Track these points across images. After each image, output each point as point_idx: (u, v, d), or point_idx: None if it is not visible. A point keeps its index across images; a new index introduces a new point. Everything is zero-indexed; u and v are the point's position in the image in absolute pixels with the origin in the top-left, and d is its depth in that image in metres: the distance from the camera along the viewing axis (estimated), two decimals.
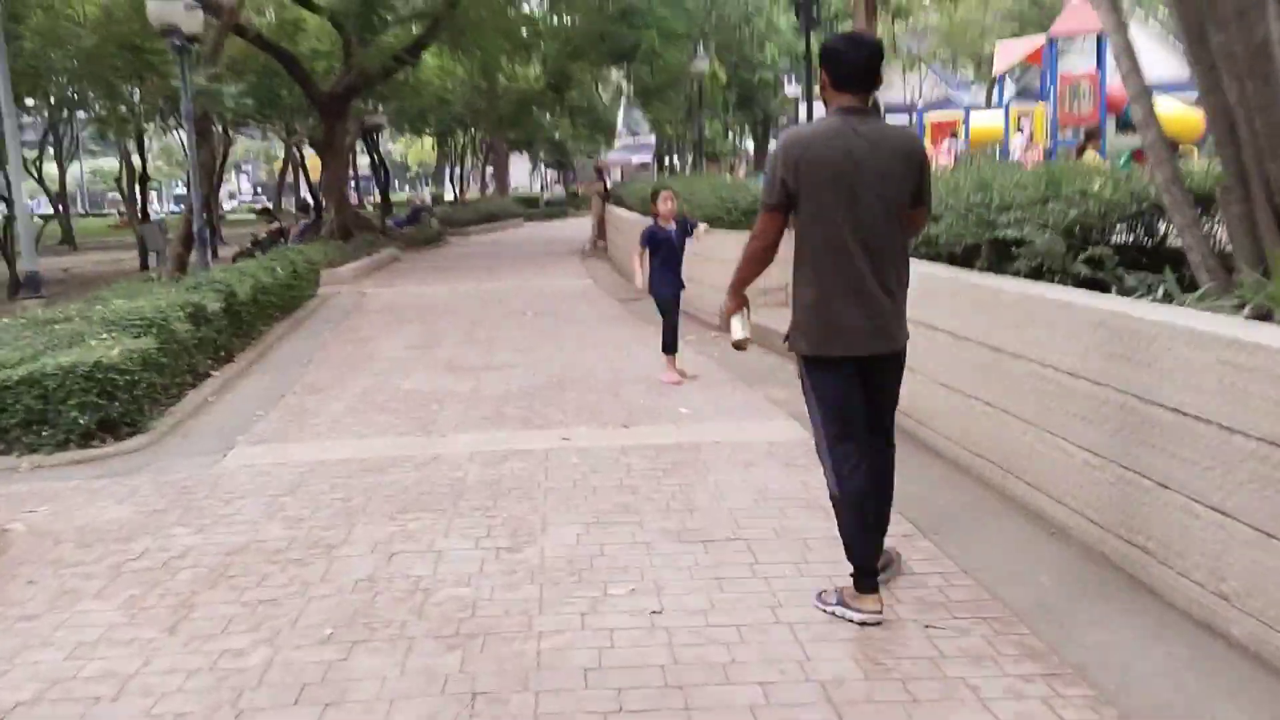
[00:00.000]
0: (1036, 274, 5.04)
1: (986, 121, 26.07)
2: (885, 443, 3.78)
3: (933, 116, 27.54)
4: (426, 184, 57.23)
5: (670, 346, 8.30)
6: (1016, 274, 5.14)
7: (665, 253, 8.29)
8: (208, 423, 7.41)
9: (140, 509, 5.33)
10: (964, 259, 5.70)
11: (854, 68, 3.50)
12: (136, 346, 6.97)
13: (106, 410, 6.56)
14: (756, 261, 3.73)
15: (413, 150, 68.82)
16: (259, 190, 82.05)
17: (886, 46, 36.29)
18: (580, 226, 29.76)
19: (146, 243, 22.93)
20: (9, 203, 17.62)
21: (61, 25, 18.20)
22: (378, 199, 39.49)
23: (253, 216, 43.68)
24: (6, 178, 16.77)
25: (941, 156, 22.43)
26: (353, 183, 37.56)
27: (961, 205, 5.62)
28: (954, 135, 24.25)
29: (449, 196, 49.24)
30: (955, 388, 5.44)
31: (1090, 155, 12.57)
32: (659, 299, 8.38)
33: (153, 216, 29.67)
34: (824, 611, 3.71)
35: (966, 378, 5.29)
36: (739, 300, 3.86)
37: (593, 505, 5.07)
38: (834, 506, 3.70)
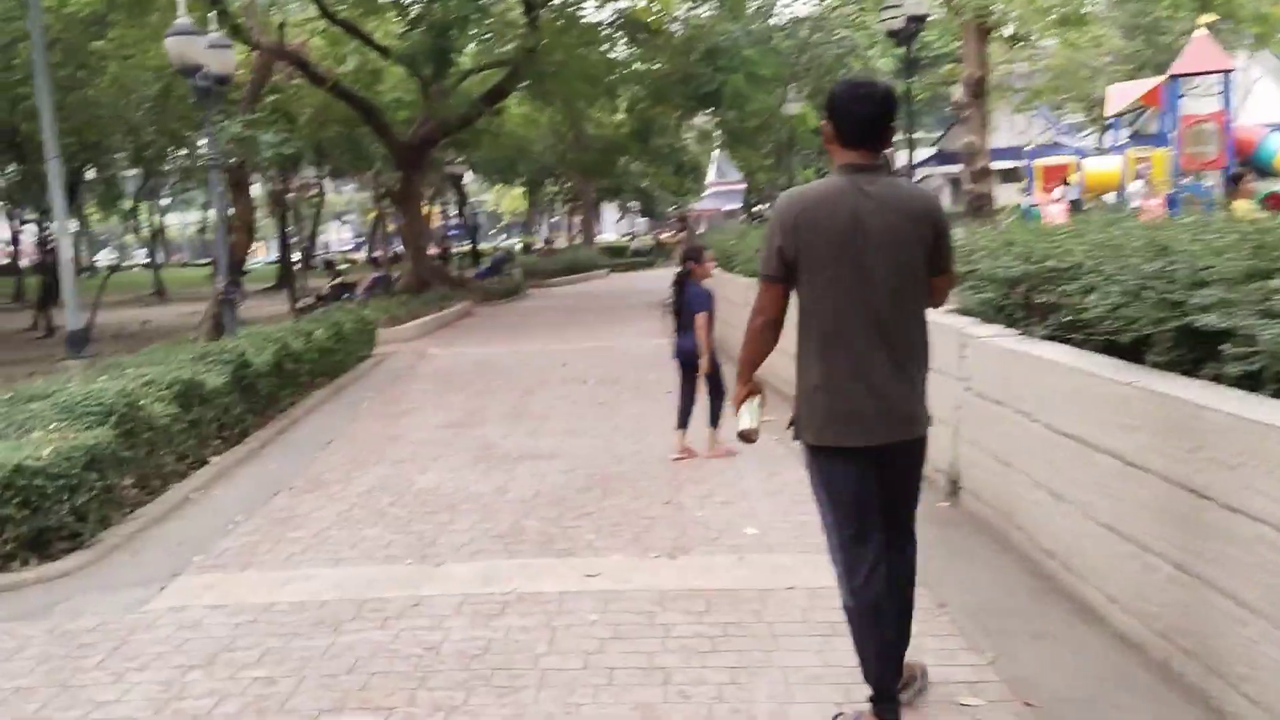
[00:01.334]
0: (1251, 380, 3.41)
1: (1102, 166, 24.11)
2: (905, 541, 3.35)
3: (1043, 162, 25.61)
4: (507, 234, 56.81)
5: (682, 420, 7.50)
6: (1215, 378, 3.53)
7: (712, 321, 7.49)
8: (169, 534, 6.12)
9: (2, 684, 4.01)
10: (1132, 349, 4.09)
11: (861, 119, 3.12)
12: (81, 442, 5.73)
13: (29, 524, 5.31)
14: (759, 340, 3.28)
15: (505, 199, 68.96)
16: (360, 240, 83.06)
17: (993, 85, 34.60)
18: (665, 278, 28.49)
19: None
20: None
21: (131, 73, 17.76)
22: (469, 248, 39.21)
23: (347, 266, 43.68)
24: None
25: (1053, 206, 20.60)
26: (448, 232, 37.09)
27: (1131, 276, 4.02)
28: (1066, 182, 22.37)
29: (539, 246, 48.58)
30: (1122, 532, 3.82)
31: (1244, 203, 10.70)
32: (685, 366, 7.52)
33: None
34: None
35: (1140, 522, 3.68)
36: (748, 386, 3.40)
37: (601, 711, 3.57)
38: (847, 619, 3.27)
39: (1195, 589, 3.38)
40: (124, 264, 50.34)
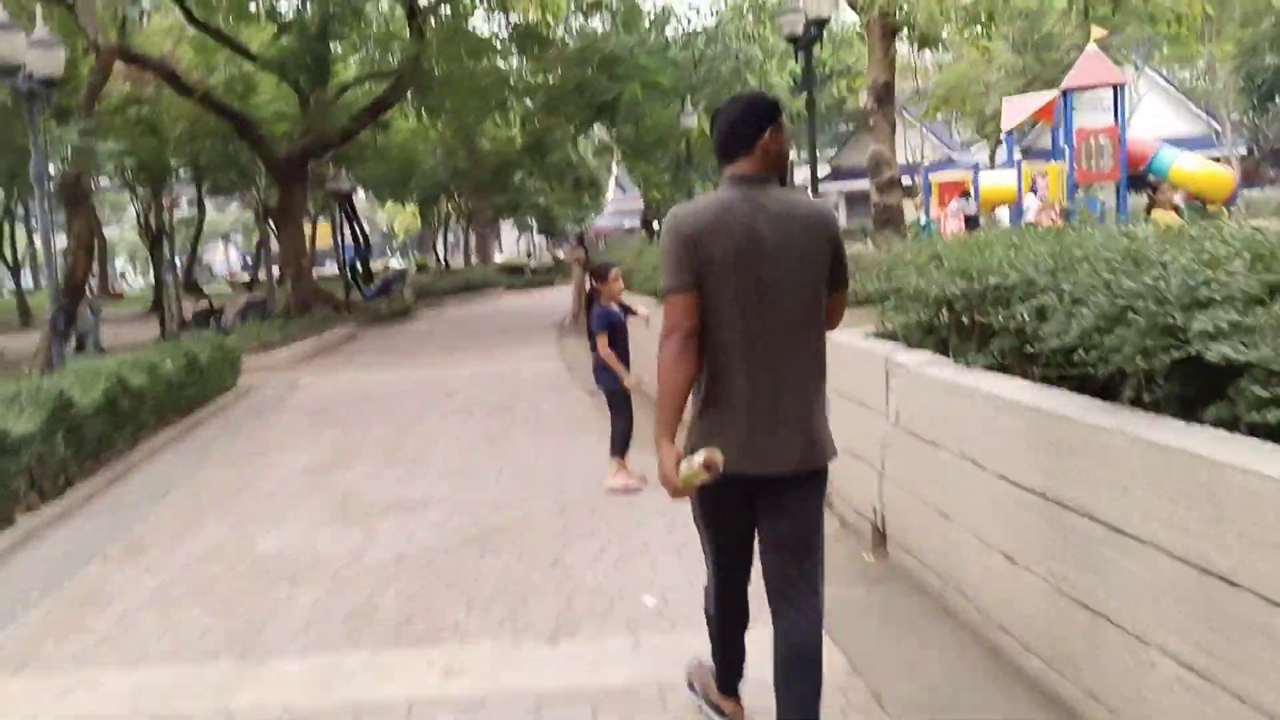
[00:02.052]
0: (1274, 431, 2.67)
1: (998, 181, 24.09)
2: (805, 594, 2.94)
3: (939, 176, 25.52)
4: (401, 254, 55.19)
5: (621, 447, 6.85)
6: (1230, 424, 2.79)
7: (622, 339, 6.93)
8: None
9: None
10: (1105, 386, 3.34)
11: (739, 124, 2.95)
12: None
13: None
14: (679, 361, 2.83)
15: (400, 218, 67.02)
16: (247, 262, 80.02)
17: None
18: (564, 296, 27.52)
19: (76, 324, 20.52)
20: None
21: None
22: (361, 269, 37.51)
23: (229, 291, 41.40)
24: None
25: (950, 220, 20.40)
26: (344, 251, 35.33)
27: (1105, 296, 3.26)
28: (965, 195, 22.22)
29: (434, 265, 47.09)
30: (1117, 620, 3.05)
31: (1163, 214, 10.27)
32: (610, 392, 6.95)
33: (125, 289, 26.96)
34: None
35: (1144, 610, 2.91)
36: (673, 450, 2.81)
37: None
38: (706, 621, 3.26)
39: (1215, 698, 2.61)
40: None
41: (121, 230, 62.32)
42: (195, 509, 6.99)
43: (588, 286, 7.04)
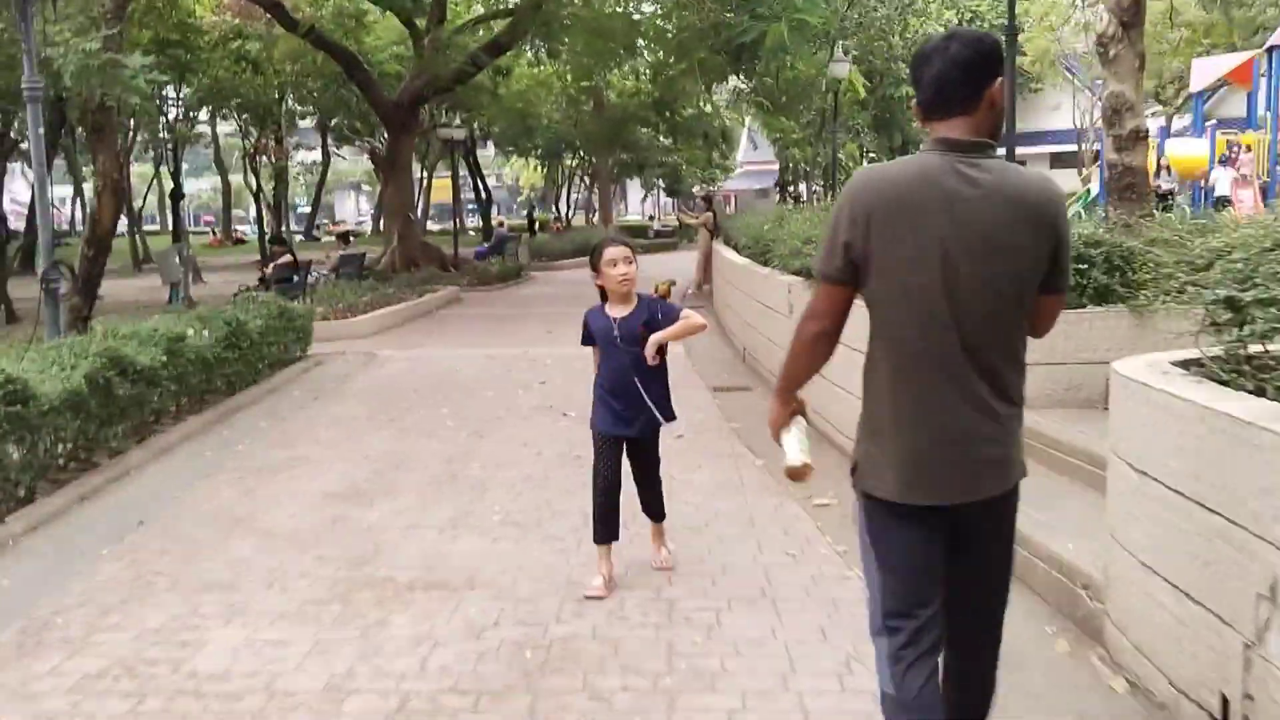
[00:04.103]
0: None
1: (1187, 150, 20.66)
2: (984, 641, 2.54)
3: (1181, 144, 22.08)
4: (524, 211, 53.51)
5: (605, 534, 4.43)
6: None
7: (613, 358, 4.42)
8: None
9: None
10: None
11: (949, 79, 2.34)
12: None
13: None
14: (809, 353, 2.50)
15: (525, 174, 65.50)
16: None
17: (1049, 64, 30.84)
18: (689, 261, 25.16)
19: (161, 272, 19.22)
20: None
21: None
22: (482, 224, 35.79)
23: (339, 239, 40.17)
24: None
25: (1244, 191, 17.22)
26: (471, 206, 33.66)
27: None
28: (1226, 161, 18.91)
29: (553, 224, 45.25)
30: None
31: None
32: (595, 435, 4.49)
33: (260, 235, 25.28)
34: None
35: None
36: (789, 406, 2.61)
37: None
38: (883, 711, 2.45)
39: None
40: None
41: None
42: (153, 566, 4.94)
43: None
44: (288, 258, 15.48)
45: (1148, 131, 8.01)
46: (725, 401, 8.88)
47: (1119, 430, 3.55)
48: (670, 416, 4.46)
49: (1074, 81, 34.06)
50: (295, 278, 15.20)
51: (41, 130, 7.77)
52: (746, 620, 4.07)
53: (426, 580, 4.61)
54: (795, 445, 2.64)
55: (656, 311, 4.35)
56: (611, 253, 4.33)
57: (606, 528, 4.40)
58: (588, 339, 4.52)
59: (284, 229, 30.01)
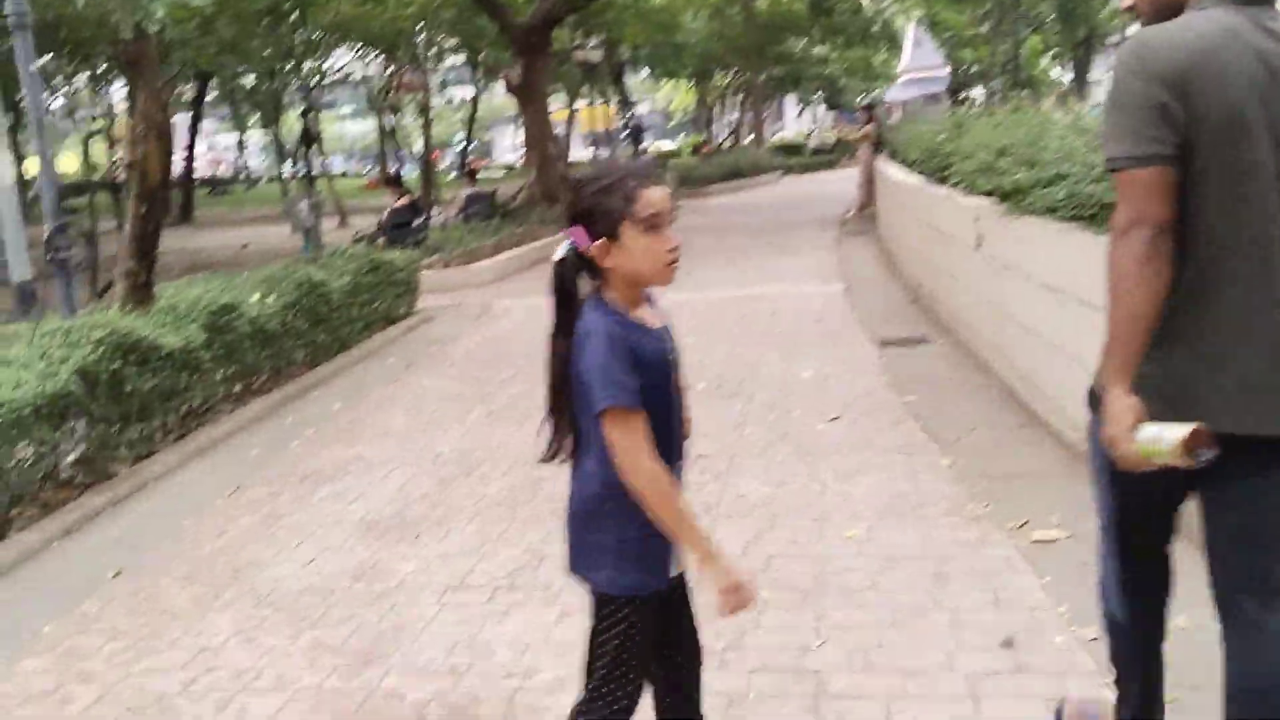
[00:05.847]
0: None
1: None
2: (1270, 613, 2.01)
3: None
4: (686, 131, 51.46)
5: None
6: None
7: (672, 404, 2.13)
8: None
9: None
10: None
11: None
12: None
13: None
14: (1146, 274, 1.88)
15: (677, 96, 63.21)
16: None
17: None
18: (849, 180, 22.82)
19: (291, 220, 18.42)
20: None
21: None
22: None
23: (500, 177, 39.05)
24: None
25: None
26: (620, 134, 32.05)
27: None
28: None
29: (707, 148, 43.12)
30: None
31: None
32: (626, 600, 2.11)
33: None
34: None
35: None
36: (1128, 405, 1.92)
37: None
38: (1104, 627, 2.33)
39: None
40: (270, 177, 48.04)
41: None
42: (75, 667, 3.55)
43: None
44: (404, 199, 14.23)
45: None
46: (895, 361, 7.01)
47: None
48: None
49: None
50: (416, 222, 13.95)
51: (34, 68, 6.52)
52: None
53: (447, 701, 3.06)
54: (1158, 429, 1.90)
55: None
56: (654, 195, 2.04)
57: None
58: (632, 386, 2.02)
59: (399, 169, 28.98)
